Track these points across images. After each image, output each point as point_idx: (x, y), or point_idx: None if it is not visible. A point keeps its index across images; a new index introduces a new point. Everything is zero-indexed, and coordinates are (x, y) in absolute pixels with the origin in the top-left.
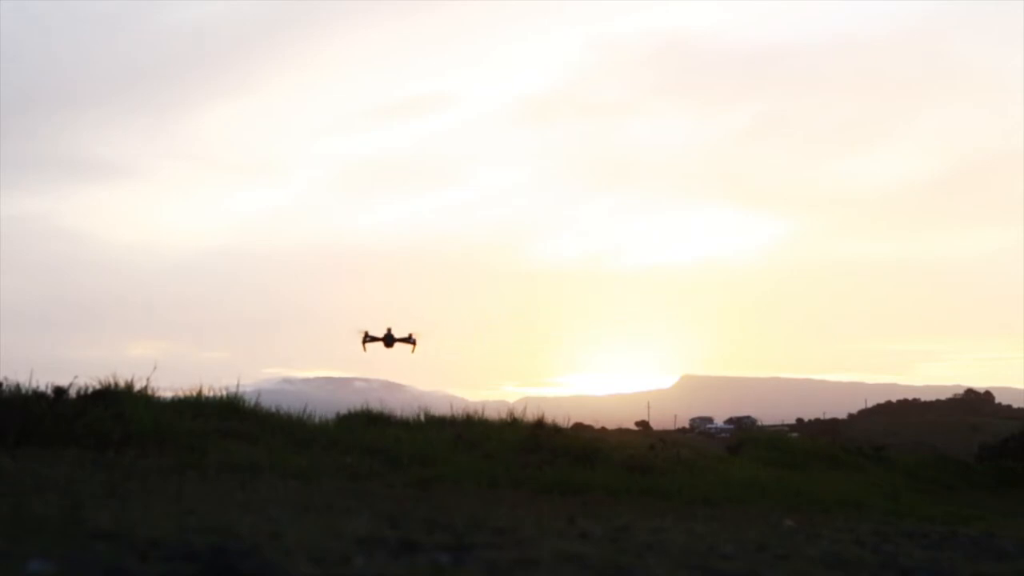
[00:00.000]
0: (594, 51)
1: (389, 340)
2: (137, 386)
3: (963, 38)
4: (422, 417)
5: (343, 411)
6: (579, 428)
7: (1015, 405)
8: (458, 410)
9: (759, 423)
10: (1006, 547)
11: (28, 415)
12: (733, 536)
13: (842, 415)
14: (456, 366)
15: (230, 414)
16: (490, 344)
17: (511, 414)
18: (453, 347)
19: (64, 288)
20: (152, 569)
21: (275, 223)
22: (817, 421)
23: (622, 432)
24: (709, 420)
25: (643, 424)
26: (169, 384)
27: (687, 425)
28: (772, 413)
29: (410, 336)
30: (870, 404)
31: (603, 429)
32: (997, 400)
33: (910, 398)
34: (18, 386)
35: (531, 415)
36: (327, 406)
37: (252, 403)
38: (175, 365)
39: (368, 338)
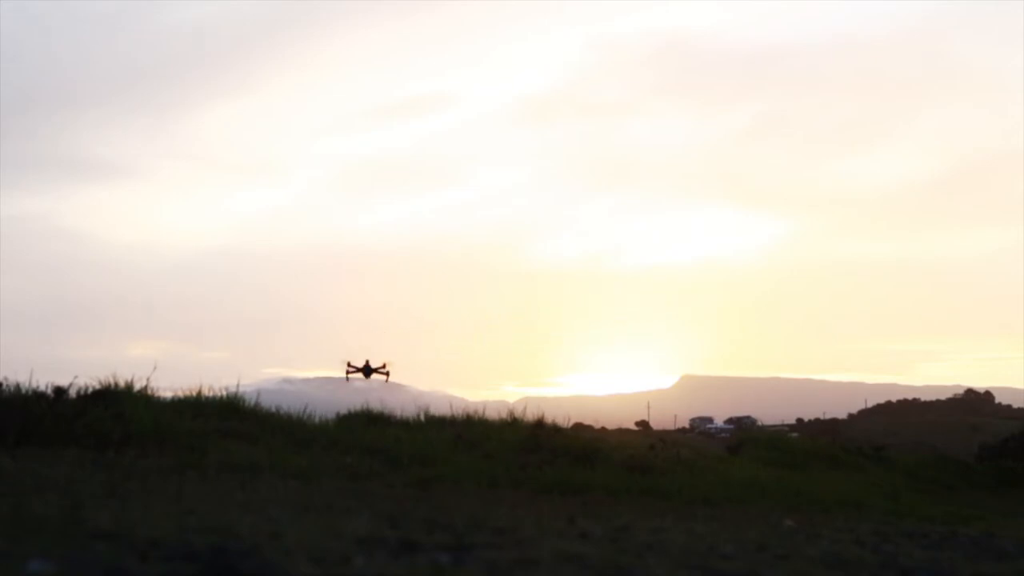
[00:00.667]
0: (594, 51)
1: (368, 371)
2: (137, 386)
3: (963, 38)
4: (422, 417)
5: (343, 411)
6: (579, 428)
7: (1015, 405)
8: (458, 410)
9: (759, 423)
10: (1006, 547)
11: (28, 415)
12: (733, 536)
13: (842, 415)
14: (456, 366)
15: (230, 414)
16: (490, 344)
17: (511, 414)
18: (453, 347)
19: (64, 288)
20: (152, 569)
21: (275, 223)
22: (817, 421)
23: (622, 432)
24: (709, 420)
25: (643, 424)
26: (169, 384)
27: (687, 425)
28: (772, 413)
29: (384, 366)
30: (870, 404)
31: (603, 429)
32: (997, 400)
33: (910, 398)
34: (18, 386)
35: (531, 415)
36: (327, 406)
37: (252, 403)
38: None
39: (351, 369)
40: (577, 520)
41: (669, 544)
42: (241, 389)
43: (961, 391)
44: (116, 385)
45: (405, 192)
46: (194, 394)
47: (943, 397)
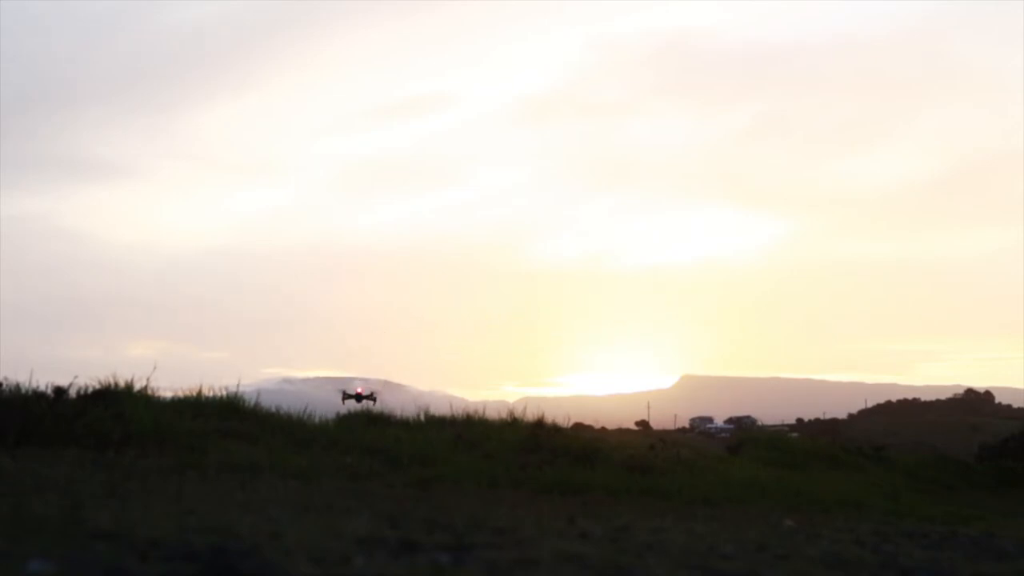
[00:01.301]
0: (594, 51)
1: (359, 398)
2: (137, 386)
3: (963, 38)
4: (422, 417)
5: (343, 411)
6: (579, 428)
7: (1015, 405)
8: (458, 410)
9: (759, 423)
10: (1006, 547)
11: (28, 415)
12: (733, 536)
13: (842, 415)
14: (456, 366)
15: (230, 414)
16: (490, 344)
17: (511, 414)
18: (453, 347)
19: (64, 288)
20: (152, 569)
21: (275, 223)
22: (817, 421)
23: (622, 432)
24: (709, 420)
25: (643, 424)
26: (169, 384)
27: (687, 425)
28: (772, 413)
29: (372, 394)
30: (870, 404)
31: (603, 429)
32: (997, 400)
33: (910, 398)
34: (18, 386)
35: (531, 415)
36: (327, 406)
37: (252, 403)
38: (175, 365)
39: (345, 396)
40: (577, 520)
41: (669, 544)
42: (241, 389)
43: (961, 391)
44: (116, 385)
45: (405, 192)
46: (194, 394)
47: (943, 397)
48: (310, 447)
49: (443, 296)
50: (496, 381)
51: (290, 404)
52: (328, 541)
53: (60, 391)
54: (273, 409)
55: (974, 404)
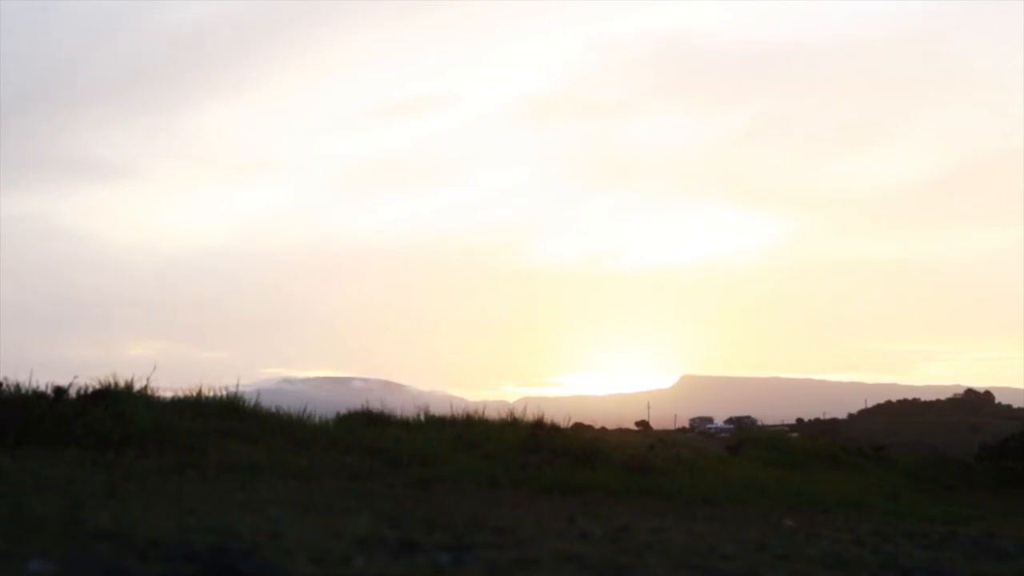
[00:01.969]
0: (594, 51)
1: None
2: (137, 386)
3: (963, 38)
4: (422, 417)
5: (343, 411)
6: (579, 428)
7: (1015, 405)
8: (458, 410)
9: (759, 423)
10: (1006, 547)
11: (28, 415)
12: (733, 536)
13: (842, 415)
14: (456, 366)
15: (230, 414)
16: (490, 344)
17: (511, 414)
18: (453, 347)
19: (64, 288)
20: (152, 569)
21: (275, 223)
22: (817, 421)
23: (622, 432)
24: (709, 420)
25: (643, 424)
26: (169, 384)
27: (687, 425)
28: (772, 413)
29: None
30: (870, 404)
31: (603, 429)
32: (997, 400)
33: (910, 398)
34: (18, 386)
35: (531, 415)
36: (327, 406)
37: (252, 403)
38: (175, 365)
39: None
40: (577, 520)
41: (669, 544)
42: (241, 389)
43: (961, 391)
44: (116, 385)
45: (405, 192)
46: (194, 394)
47: (943, 397)
48: (310, 447)
49: (443, 296)
50: (496, 381)
51: (290, 404)
52: (328, 541)
53: (60, 391)
54: (273, 409)
55: (974, 404)
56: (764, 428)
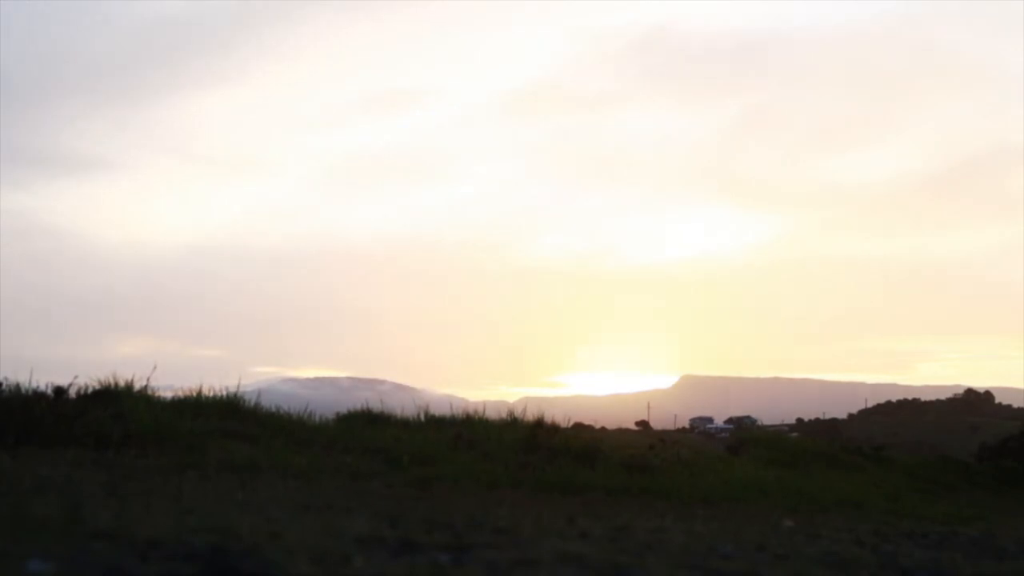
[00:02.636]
0: (579, 43)
1: None
2: (137, 386)
3: (957, 29)
4: (422, 417)
5: (343, 411)
6: (579, 428)
7: (1015, 405)
8: (458, 410)
9: (759, 423)
10: (1006, 547)
11: (28, 415)
12: (733, 536)
13: (842, 415)
14: (456, 366)
15: (230, 414)
16: (490, 344)
17: (511, 414)
18: (453, 347)
19: (47, 285)
20: (152, 569)
21: (263, 219)
22: (817, 421)
23: (622, 432)
24: (709, 420)
25: (643, 424)
26: (169, 384)
27: (687, 425)
28: (772, 413)
29: None
30: (870, 404)
31: (603, 429)
32: (997, 400)
33: (910, 398)
34: (18, 386)
35: (531, 415)
36: (327, 406)
37: (252, 403)
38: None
39: None
40: (577, 520)
41: (669, 544)
42: (241, 389)
43: (961, 391)
44: (116, 385)
45: (396, 188)
46: (194, 394)
47: (943, 397)
48: (310, 447)
49: (443, 296)
50: (496, 381)
51: (290, 404)
52: (328, 541)
53: (60, 391)
54: (273, 409)
55: (974, 404)
56: (764, 428)
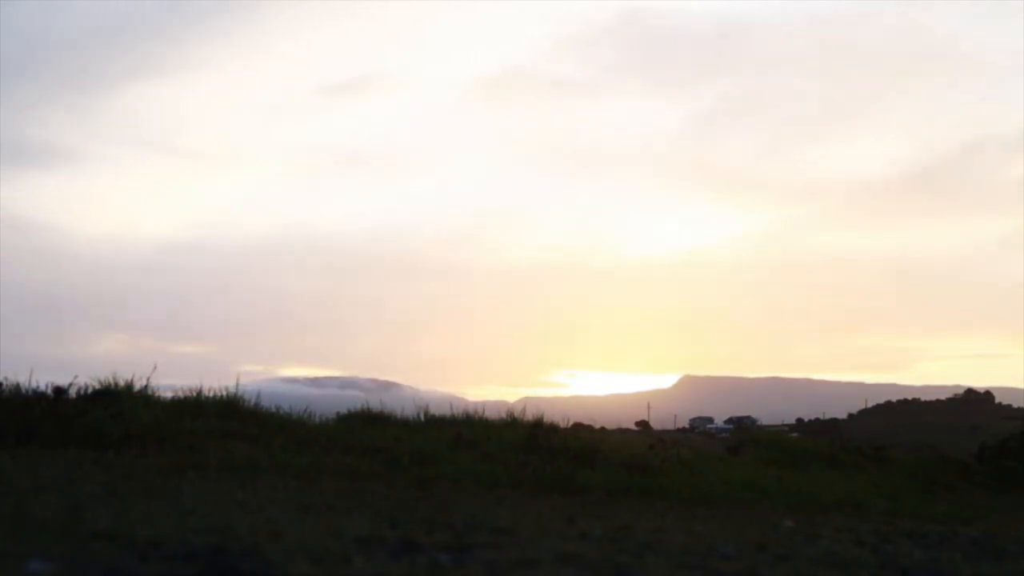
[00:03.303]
0: (552, 28)
1: None
2: (137, 386)
3: (944, 12)
4: (422, 417)
5: (343, 411)
6: (579, 428)
7: (1015, 405)
8: (458, 410)
9: (759, 423)
10: (1006, 547)
11: (28, 415)
12: (733, 536)
13: (842, 415)
14: (456, 366)
15: (230, 414)
16: (490, 344)
17: (511, 414)
18: (452, 347)
19: (56, 285)
20: (152, 569)
21: (256, 213)
22: (817, 421)
23: (622, 432)
24: (709, 420)
25: (643, 424)
26: (169, 384)
27: (687, 425)
28: (772, 413)
29: None
30: (870, 404)
31: (603, 429)
32: (997, 400)
33: (910, 398)
34: (18, 386)
35: (531, 415)
36: (327, 406)
37: (252, 403)
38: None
39: None
40: (577, 520)
41: (669, 544)
42: (241, 389)
43: (961, 391)
44: (116, 385)
45: (404, 189)
46: (194, 394)
47: (943, 397)
48: (310, 447)
49: (442, 296)
50: (496, 381)
51: (290, 404)
52: (328, 541)
53: (60, 391)
54: (273, 409)
55: (974, 404)
56: (764, 428)
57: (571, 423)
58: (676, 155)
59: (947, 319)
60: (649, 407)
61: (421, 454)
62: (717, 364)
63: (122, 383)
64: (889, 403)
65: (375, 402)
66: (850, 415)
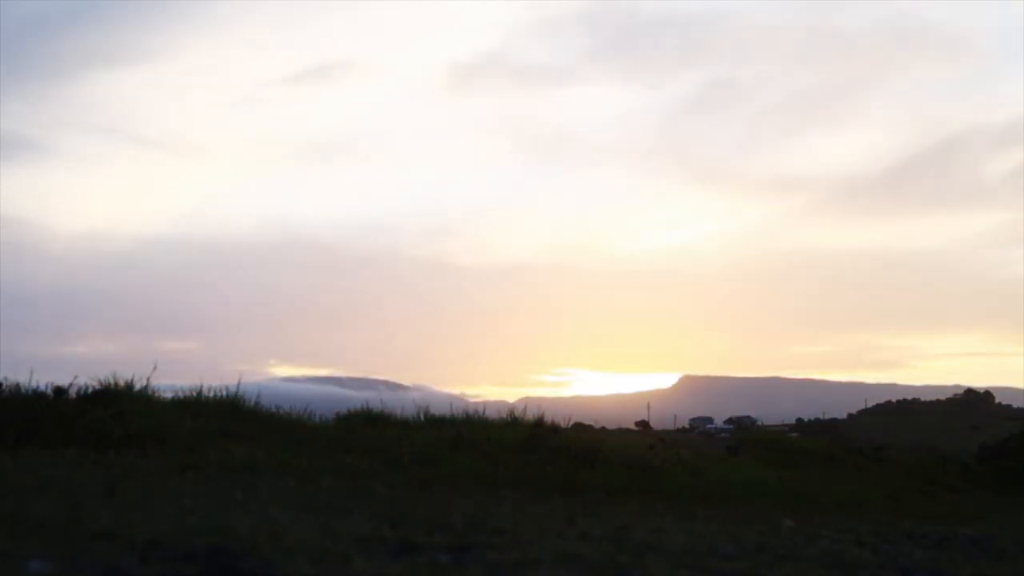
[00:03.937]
0: (524, 11)
1: None
2: (137, 386)
3: (935, 3)
4: (422, 417)
5: (343, 411)
6: (579, 428)
7: (1015, 405)
8: (458, 410)
9: (759, 423)
10: (1006, 547)
11: (28, 415)
12: (733, 536)
13: (842, 415)
14: (456, 366)
15: (230, 414)
16: (490, 344)
17: (511, 414)
18: (452, 347)
19: (33, 283)
20: (152, 569)
21: (259, 209)
22: (817, 421)
23: (622, 432)
24: (709, 420)
25: (643, 424)
26: (168, 384)
27: (687, 425)
28: (772, 413)
29: None
30: (870, 404)
31: (603, 429)
32: (997, 400)
33: (910, 398)
34: (18, 386)
35: (531, 415)
36: (327, 406)
37: (252, 403)
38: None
39: None
40: (577, 520)
41: (669, 544)
42: (241, 388)
43: (961, 391)
44: (116, 385)
45: (401, 187)
46: (194, 394)
47: (943, 397)
48: (310, 447)
49: (443, 296)
50: (496, 381)
51: (290, 404)
52: (328, 541)
53: (60, 391)
54: (273, 409)
55: (974, 404)
56: (764, 428)
57: (571, 423)
58: (654, 146)
59: (947, 320)
60: (649, 407)
61: (421, 454)
62: (717, 364)
63: (122, 383)
64: (889, 403)
65: (375, 402)
66: (850, 415)
